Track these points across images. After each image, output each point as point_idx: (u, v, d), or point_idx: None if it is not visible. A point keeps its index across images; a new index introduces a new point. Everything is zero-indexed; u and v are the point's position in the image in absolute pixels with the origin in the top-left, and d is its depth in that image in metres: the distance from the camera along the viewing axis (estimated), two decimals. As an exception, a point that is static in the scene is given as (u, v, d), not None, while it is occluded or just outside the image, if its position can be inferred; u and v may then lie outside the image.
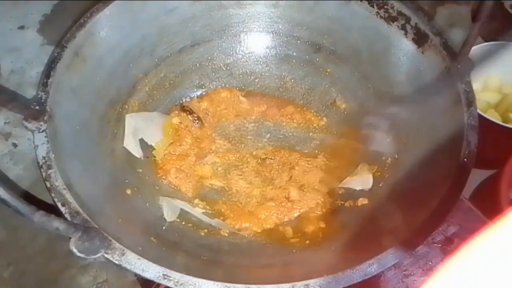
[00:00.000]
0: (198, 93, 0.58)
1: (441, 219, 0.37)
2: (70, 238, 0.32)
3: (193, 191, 0.51)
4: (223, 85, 0.59)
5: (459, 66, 0.45)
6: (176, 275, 0.33)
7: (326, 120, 0.57)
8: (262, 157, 0.54)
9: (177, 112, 0.55)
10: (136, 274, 0.34)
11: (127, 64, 0.52)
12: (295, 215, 0.49)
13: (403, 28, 0.50)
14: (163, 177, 0.51)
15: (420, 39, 0.49)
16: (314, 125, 0.57)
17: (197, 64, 0.58)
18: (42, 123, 0.40)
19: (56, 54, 0.44)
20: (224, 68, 0.59)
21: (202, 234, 0.47)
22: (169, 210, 0.47)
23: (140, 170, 0.50)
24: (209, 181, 0.52)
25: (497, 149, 0.51)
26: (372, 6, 0.52)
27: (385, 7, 0.51)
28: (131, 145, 0.50)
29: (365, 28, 0.53)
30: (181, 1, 0.53)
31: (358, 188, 0.49)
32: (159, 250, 0.41)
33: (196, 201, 0.50)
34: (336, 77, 0.57)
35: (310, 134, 0.56)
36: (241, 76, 0.59)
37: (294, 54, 0.59)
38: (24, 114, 0.39)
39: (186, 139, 0.53)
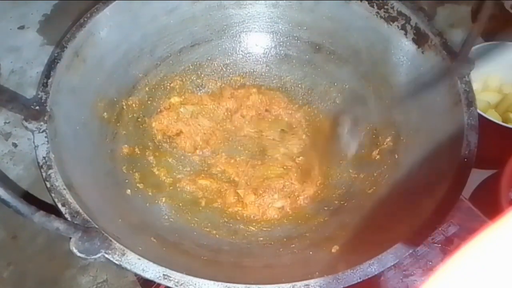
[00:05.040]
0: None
1: (441, 219, 0.37)
2: (70, 238, 0.32)
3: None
4: (222, 85, 0.59)
5: (459, 66, 0.45)
6: (176, 275, 0.33)
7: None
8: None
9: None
10: (136, 274, 0.34)
11: (127, 64, 0.52)
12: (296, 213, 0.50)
13: (403, 28, 0.50)
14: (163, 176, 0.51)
15: (420, 39, 0.49)
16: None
17: (197, 64, 0.58)
18: (42, 123, 0.40)
19: (56, 54, 0.44)
20: (224, 68, 0.59)
21: (206, 229, 0.47)
22: None
23: (140, 170, 0.50)
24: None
25: (497, 149, 0.51)
26: (372, 6, 0.52)
27: (385, 7, 0.51)
28: None
29: (365, 28, 0.53)
30: (181, 1, 0.54)
31: None
32: (159, 250, 0.41)
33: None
34: (336, 77, 0.57)
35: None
36: (241, 76, 0.59)
37: (294, 54, 0.59)
38: (24, 114, 0.39)
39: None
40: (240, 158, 0.54)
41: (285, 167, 0.53)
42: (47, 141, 0.39)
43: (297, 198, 0.51)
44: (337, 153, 0.53)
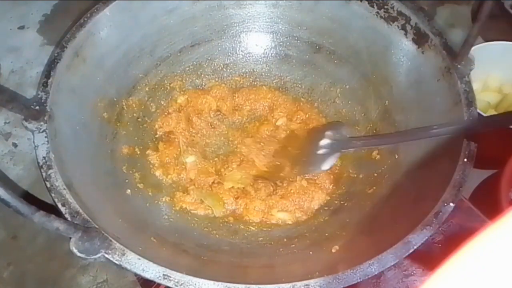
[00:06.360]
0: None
1: (441, 219, 0.37)
2: (70, 238, 0.32)
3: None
4: (222, 85, 0.59)
5: (459, 66, 0.45)
6: (176, 275, 0.33)
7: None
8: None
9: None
10: (136, 274, 0.34)
11: (127, 64, 0.52)
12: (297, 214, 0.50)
13: (403, 28, 0.50)
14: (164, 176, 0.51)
15: (420, 39, 0.49)
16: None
17: (197, 64, 0.58)
18: (42, 123, 0.40)
19: (56, 54, 0.44)
20: (224, 68, 0.59)
21: (206, 229, 0.47)
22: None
23: (140, 170, 0.50)
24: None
25: (497, 149, 0.51)
26: (372, 6, 0.52)
27: (385, 7, 0.51)
28: None
29: (365, 28, 0.53)
30: (181, 1, 0.54)
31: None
32: (159, 250, 0.41)
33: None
34: (336, 77, 0.57)
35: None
36: (241, 76, 0.59)
37: (294, 54, 0.59)
38: (24, 114, 0.39)
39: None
40: (244, 164, 0.53)
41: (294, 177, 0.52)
42: (47, 141, 0.39)
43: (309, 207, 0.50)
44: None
